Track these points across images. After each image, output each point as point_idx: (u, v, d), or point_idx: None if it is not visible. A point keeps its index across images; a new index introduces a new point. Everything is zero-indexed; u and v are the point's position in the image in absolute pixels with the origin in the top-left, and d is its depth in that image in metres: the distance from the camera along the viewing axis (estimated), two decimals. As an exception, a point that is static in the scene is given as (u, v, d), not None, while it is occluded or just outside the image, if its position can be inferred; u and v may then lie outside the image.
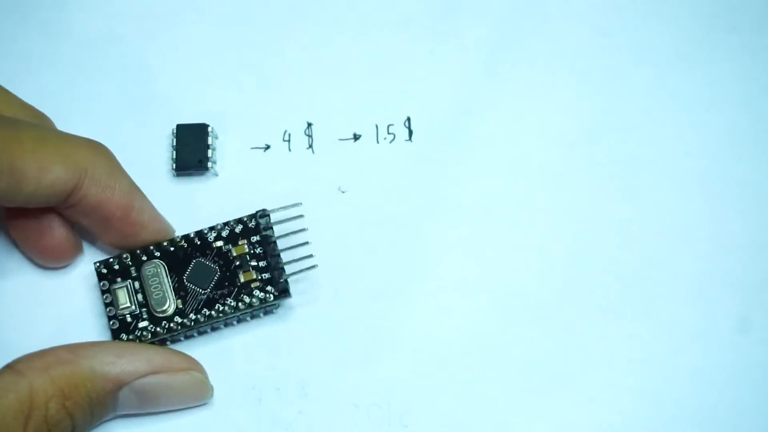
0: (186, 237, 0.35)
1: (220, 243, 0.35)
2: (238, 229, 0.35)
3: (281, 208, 0.35)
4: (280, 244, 0.35)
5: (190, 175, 0.37)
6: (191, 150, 0.37)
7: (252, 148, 0.38)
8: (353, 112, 0.38)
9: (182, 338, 0.35)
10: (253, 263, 0.34)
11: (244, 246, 0.35)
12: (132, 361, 0.32)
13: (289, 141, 0.38)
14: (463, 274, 0.36)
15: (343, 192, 0.37)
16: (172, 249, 0.35)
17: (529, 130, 0.38)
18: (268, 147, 0.38)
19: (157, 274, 0.34)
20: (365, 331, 0.35)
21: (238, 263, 0.34)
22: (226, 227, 0.35)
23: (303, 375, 0.35)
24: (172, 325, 0.34)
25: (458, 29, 0.39)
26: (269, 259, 0.34)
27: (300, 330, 0.35)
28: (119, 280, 0.34)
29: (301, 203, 0.35)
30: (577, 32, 0.39)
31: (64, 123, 0.36)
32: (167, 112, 0.37)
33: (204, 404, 0.34)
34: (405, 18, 0.39)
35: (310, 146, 0.38)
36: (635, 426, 0.34)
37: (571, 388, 0.34)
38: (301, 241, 0.34)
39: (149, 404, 0.33)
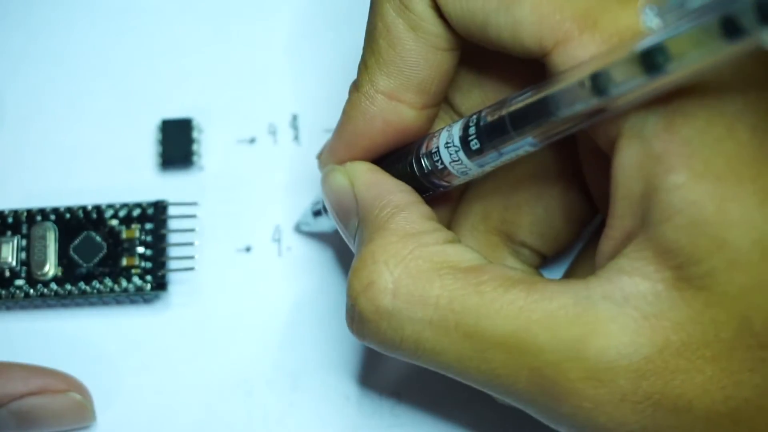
0: (83, 208, 0.35)
1: (114, 222, 0.35)
2: (136, 212, 0.35)
3: (179, 204, 0.35)
4: (173, 238, 0.35)
5: (176, 169, 0.37)
6: (177, 145, 0.36)
7: (238, 142, 0.37)
8: (338, 103, 0.37)
9: (58, 305, 0.35)
10: (140, 250, 0.34)
11: (135, 231, 0.35)
12: (8, 382, 0.31)
13: (274, 133, 0.38)
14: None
15: None
16: (68, 216, 0.35)
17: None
18: (253, 140, 0.37)
19: (45, 236, 0.34)
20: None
21: (125, 246, 0.34)
22: (125, 208, 0.35)
23: (293, 367, 0.34)
24: (46, 290, 0.34)
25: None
26: (155, 250, 0.34)
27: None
28: (9, 233, 0.35)
29: (197, 203, 0.35)
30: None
31: (50, 122, 0.37)
32: (152, 106, 0.37)
33: (86, 427, 0.34)
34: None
35: (296, 138, 0.37)
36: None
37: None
38: (190, 240, 0.35)
39: (28, 426, 0.32)
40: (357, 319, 0.26)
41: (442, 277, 0.25)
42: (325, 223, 0.34)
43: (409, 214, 0.26)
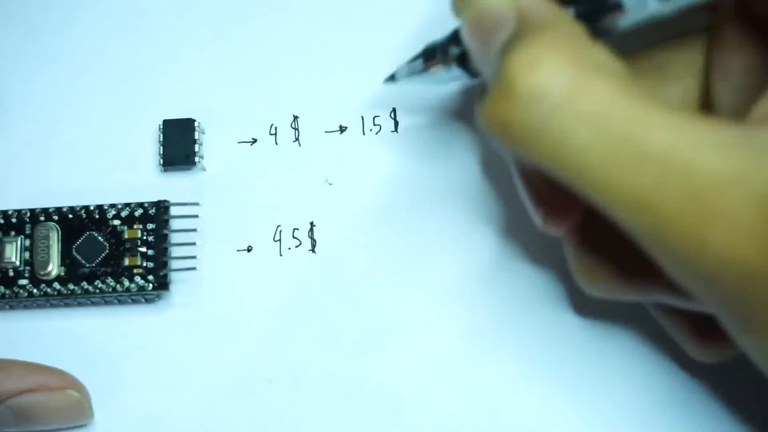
0: (86, 208, 0.35)
1: (117, 222, 0.35)
2: (138, 212, 0.35)
3: (181, 204, 0.35)
4: (174, 238, 0.35)
5: (177, 170, 0.37)
6: (178, 145, 0.37)
7: (239, 143, 0.38)
8: (339, 105, 0.38)
9: (61, 305, 0.35)
10: (142, 249, 0.35)
11: (137, 231, 0.35)
12: (6, 378, 0.32)
13: (275, 134, 0.38)
14: (453, 264, 0.36)
15: (330, 184, 0.37)
16: (71, 216, 0.35)
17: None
18: (254, 141, 0.38)
19: (48, 236, 0.35)
20: (356, 322, 0.35)
21: (127, 246, 0.35)
22: (127, 208, 0.35)
23: (294, 367, 0.35)
24: (49, 290, 0.34)
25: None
26: (157, 250, 0.35)
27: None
28: (12, 233, 0.35)
29: (198, 203, 0.35)
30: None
31: (51, 122, 0.37)
32: (153, 107, 0.37)
33: (84, 425, 0.34)
34: (392, 12, 0.39)
35: (297, 139, 0.38)
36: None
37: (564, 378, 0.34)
38: (192, 240, 0.35)
39: (27, 423, 0.32)
40: (504, 95, 0.23)
41: (609, 77, 0.23)
42: (418, 67, 0.32)
43: (576, 26, 0.25)
